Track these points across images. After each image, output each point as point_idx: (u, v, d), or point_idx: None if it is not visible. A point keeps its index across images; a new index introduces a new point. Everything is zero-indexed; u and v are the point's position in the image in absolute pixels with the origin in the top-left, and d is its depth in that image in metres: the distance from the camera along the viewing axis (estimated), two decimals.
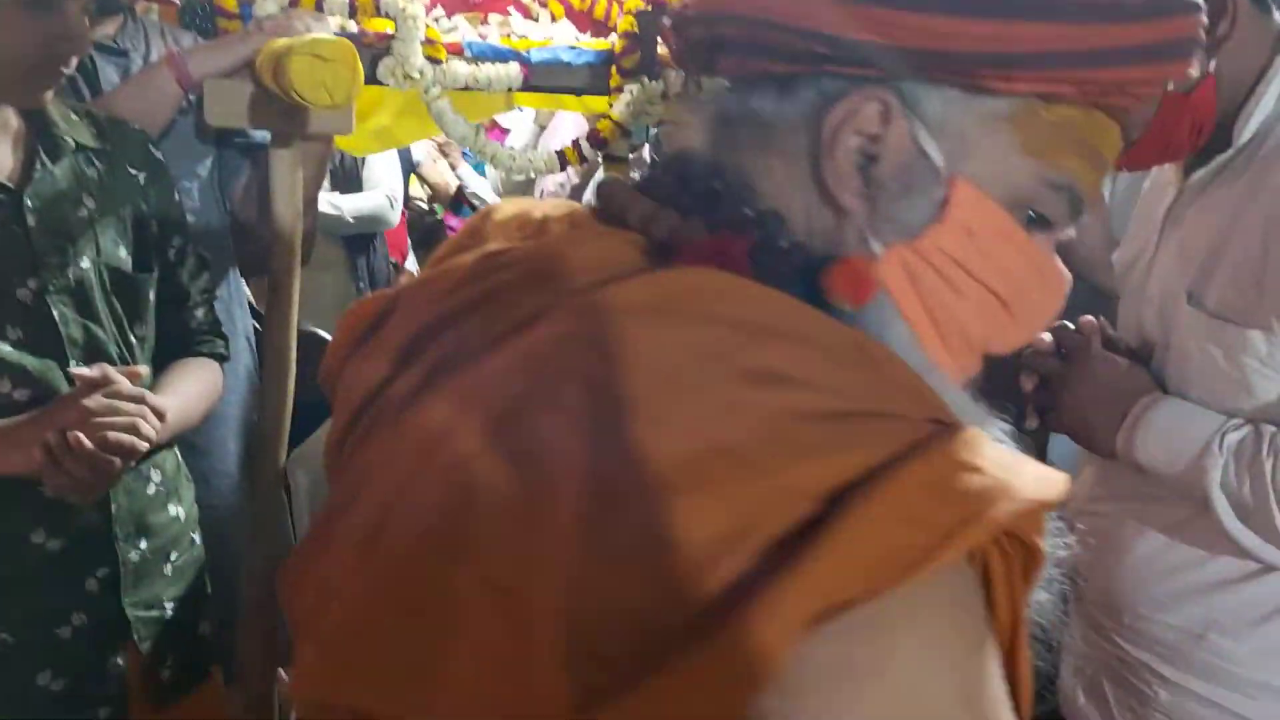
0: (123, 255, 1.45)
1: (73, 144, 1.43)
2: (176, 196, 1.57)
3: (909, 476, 0.47)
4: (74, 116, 1.47)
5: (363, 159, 3.37)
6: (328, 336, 2.04)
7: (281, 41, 1.62)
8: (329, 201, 3.17)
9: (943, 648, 0.48)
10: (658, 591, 0.46)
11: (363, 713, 0.56)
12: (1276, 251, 1.12)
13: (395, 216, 3.46)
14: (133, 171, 1.49)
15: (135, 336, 1.47)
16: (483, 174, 4.36)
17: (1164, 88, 1.12)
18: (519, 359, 0.56)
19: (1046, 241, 0.63)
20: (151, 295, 1.49)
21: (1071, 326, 1.32)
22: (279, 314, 1.83)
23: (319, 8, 2.17)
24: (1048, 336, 1.32)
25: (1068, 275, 0.66)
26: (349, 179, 3.36)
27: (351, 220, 3.29)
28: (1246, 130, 1.18)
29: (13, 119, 1.40)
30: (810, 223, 0.61)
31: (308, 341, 2.11)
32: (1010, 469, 0.49)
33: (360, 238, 3.36)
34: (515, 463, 0.51)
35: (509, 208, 0.72)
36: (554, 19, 2.73)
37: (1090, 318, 1.33)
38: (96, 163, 1.46)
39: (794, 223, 0.61)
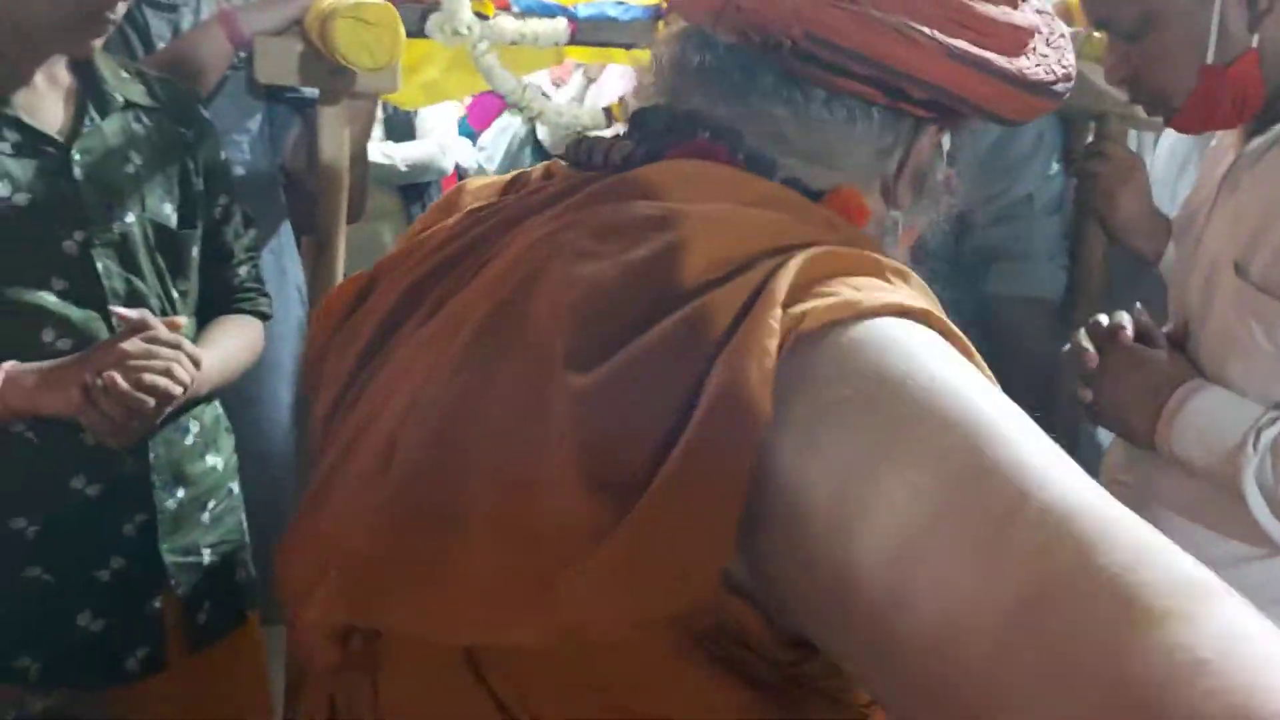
0: (168, 211, 1.47)
1: (121, 100, 1.44)
2: (223, 155, 1.58)
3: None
4: (124, 74, 1.48)
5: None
6: None
7: (327, 2, 1.61)
8: (382, 151, 3.18)
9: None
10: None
11: (387, 629, 0.61)
12: None
13: (449, 164, 3.46)
14: (181, 130, 1.50)
15: (178, 291, 1.49)
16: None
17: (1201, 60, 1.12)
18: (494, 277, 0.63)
19: None
20: (195, 252, 1.51)
21: (1104, 321, 1.30)
22: (326, 268, 1.85)
23: None
24: (1085, 337, 1.30)
25: None
26: (402, 128, 3.36)
27: (404, 169, 3.29)
28: None
29: (63, 74, 1.41)
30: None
31: None
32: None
33: (415, 187, 3.36)
34: (513, 353, 0.58)
35: (475, 180, 0.79)
36: None
37: (1122, 314, 1.31)
38: (145, 120, 1.47)
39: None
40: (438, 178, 3.45)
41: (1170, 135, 1.66)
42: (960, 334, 0.59)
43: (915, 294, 0.60)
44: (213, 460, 1.57)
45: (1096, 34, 1.50)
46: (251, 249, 1.63)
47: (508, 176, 0.76)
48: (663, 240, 0.58)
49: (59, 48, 1.39)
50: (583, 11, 2.37)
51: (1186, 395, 1.22)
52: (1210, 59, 1.14)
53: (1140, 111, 1.31)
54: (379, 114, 3.00)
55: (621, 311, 0.56)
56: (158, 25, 1.83)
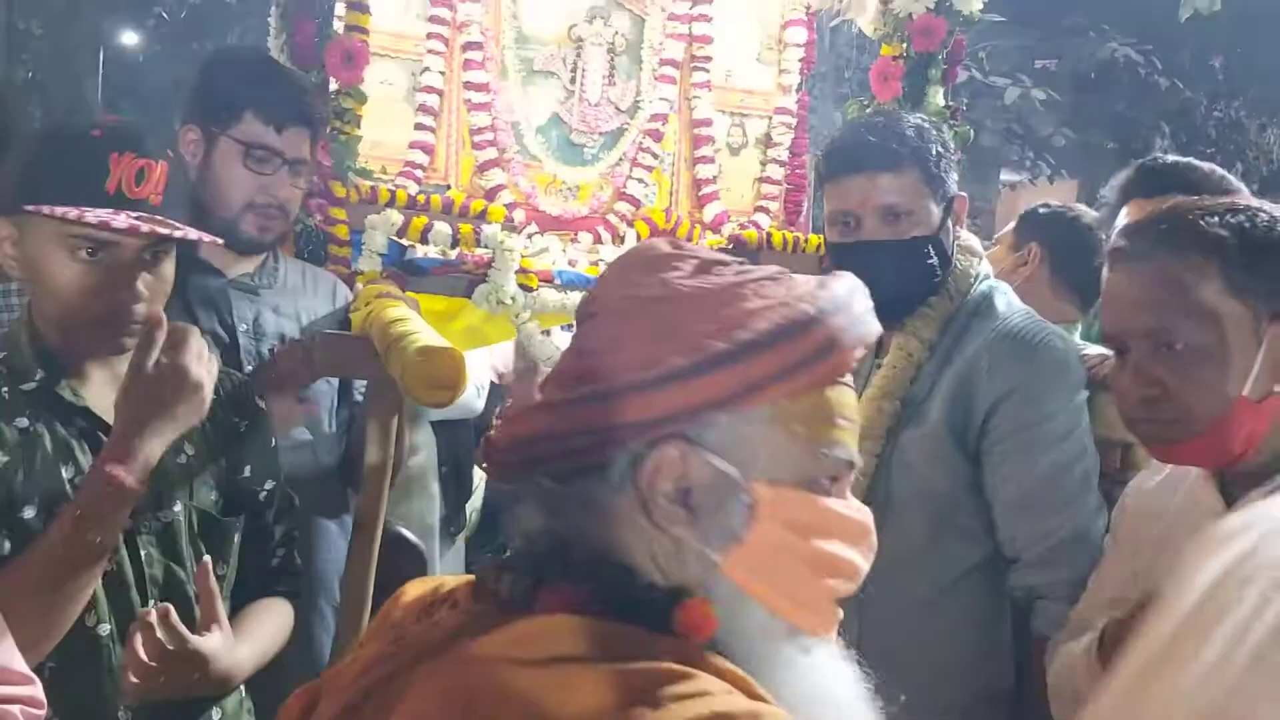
0: (213, 499, 1.46)
1: None
2: (273, 442, 1.58)
3: None
4: None
5: None
6: (414, 540, 2.03)
7: (389, 320, 1.61)
8: None
9: None
10: None
11: None
12: None
13: (481, 404, 3.49)
14: (235, 419, 1.51)
15: (215, 575, 1.45)
16: None
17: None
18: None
19: (842, 490, 0.78)
20: (237, 538, 1.49)
21: None
22: (362, 551, 1.81)
23: (424, 239, 2.25)
24: None
25: (866, 512, 0.78)
26: None
27: (435, 413, 3.32)
28: None
29: (117, 363, 1.43)
30: (658, 561, 0.74)
31: (396, 544, 2.09)
32: None
33: (448, 422, 3.38)
34: None
35: (413, 589, 0.84)
36: (640, 238, 2.79)
37: None
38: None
39: (644, 567, 0.74)
40: (470, 417, 3.47)
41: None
42: None
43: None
44: None
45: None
46: (290, 531, 1.61)
47: (434, 596, 0.82)
48: None
49: (92, 349, 1.40)
50: None
51: None
52: (1247, 391, 1.12)
53: None
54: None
55: None
56: (239, 305, 1.88)
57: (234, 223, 1.88)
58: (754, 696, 0.67)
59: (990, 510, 1.57)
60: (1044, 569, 1.51)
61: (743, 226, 2.83)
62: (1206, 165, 1.84)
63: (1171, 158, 1.85)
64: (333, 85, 2.22)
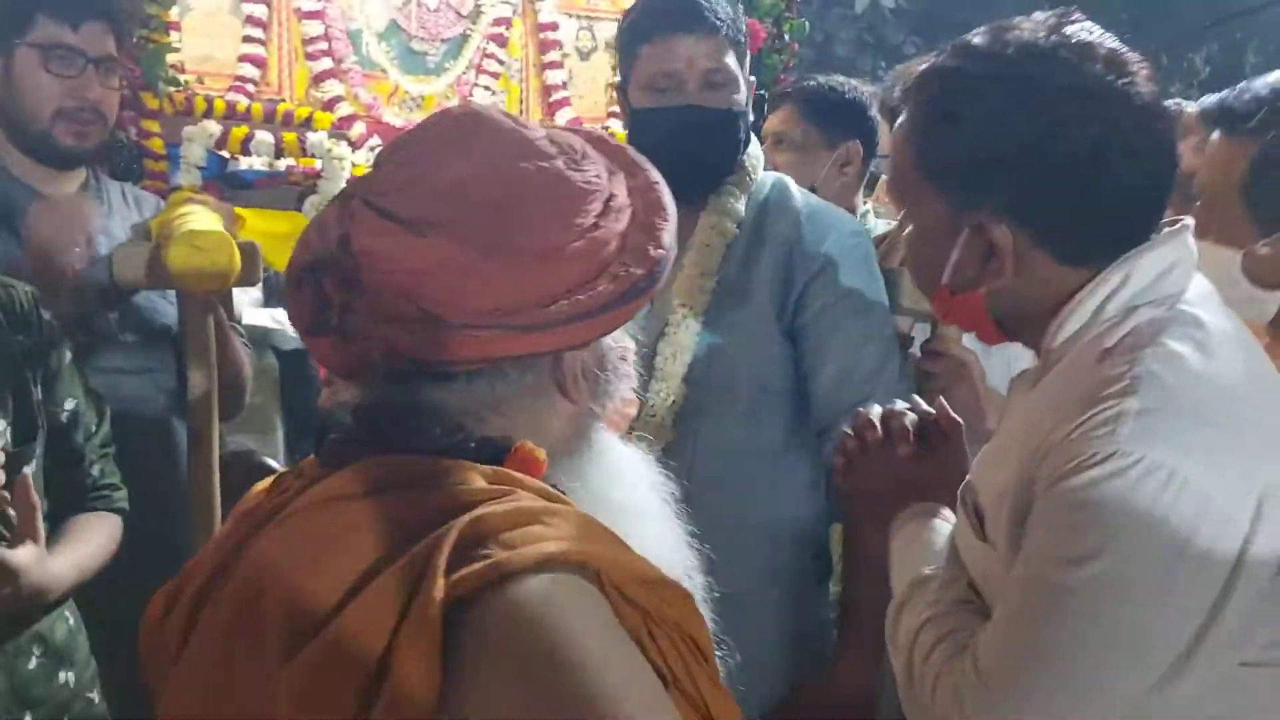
0: (1, 428, 1.33)
1: None
2: (68, 355, 1.45)
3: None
4: None
5: None
6: (277, 467, 1.96)
7: (168, 217, 1.51)
8: (271, 316, 3.05)
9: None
10: None
11: None
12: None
13: None
14: (17, 337, 1.38)
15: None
16: None
17: None
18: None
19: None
20: (31, 467, 1.36)
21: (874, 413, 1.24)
22: (202, 467, 1.72)
23: (245, 149, 2.10)
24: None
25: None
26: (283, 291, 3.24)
27: (292, 333, 3.17)
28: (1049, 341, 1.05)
29: None
30: (542, 425, 0.82)
31: (242, 460, 2.00)
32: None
33: (298, 351, 3.23)
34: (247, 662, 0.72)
35: (264, 483, 0.85)
36: None
37: (877, 408, 1.25)
38: None
39: (540, 435, 0.81)
40: None
41: None
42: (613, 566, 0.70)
43: (568, 533, 0.70)
44: (65, 675, 1.41)
45: None
46: (105, 444, 1.51)
47: (275, 479, 0.84)
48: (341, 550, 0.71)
49: None
50: None
51: (907, 519, 1.17)
52: (945, 281, 1.03)
53: None
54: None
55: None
56: None
57: (47, 133, 1.74)
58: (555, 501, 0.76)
59: (806, 382, 1.56)
60: None
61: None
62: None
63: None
64: None
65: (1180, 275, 1.00)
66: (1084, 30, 0.99)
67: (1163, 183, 1.00)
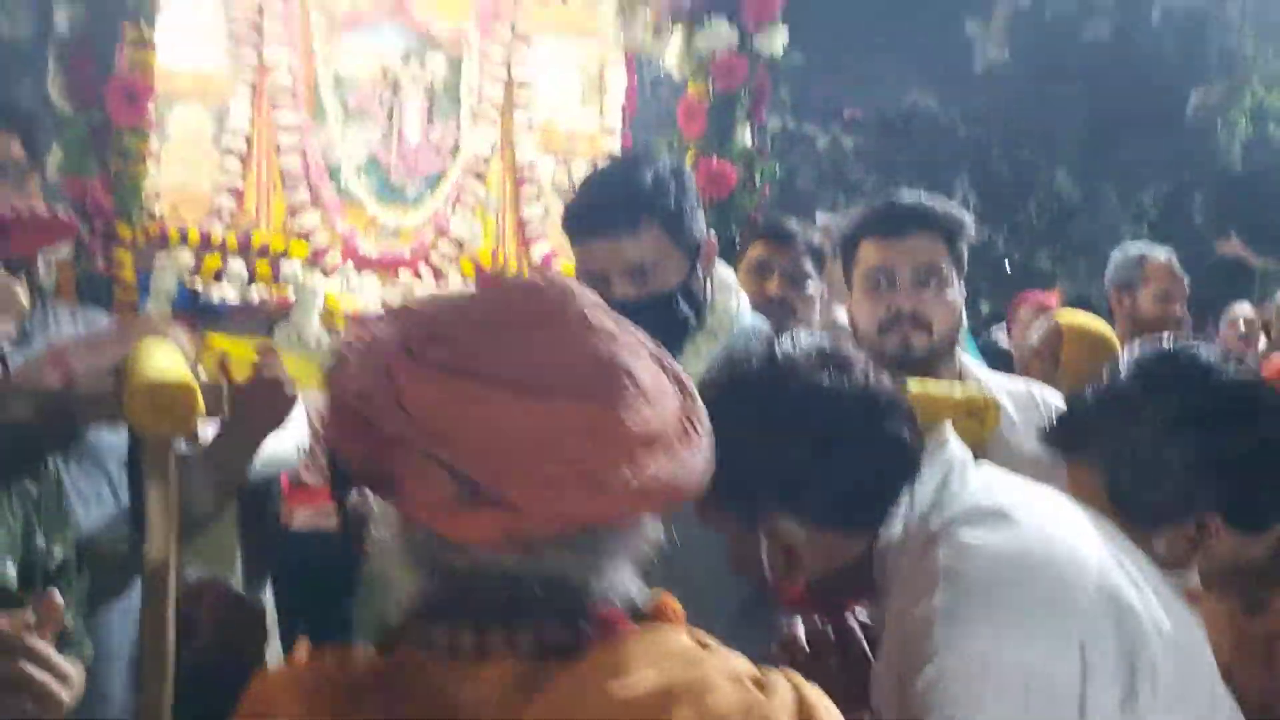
0: (10, 574, 1.30)
1: None
2: (67, 506, 1.42)
3: None
4: None
5: None
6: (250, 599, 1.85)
7: (134, 358, 1.45)
8: None
9: None
10: None
11: None
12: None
13: (298, 460, 3.25)
14: (27, 484, 1.36)
15: None
16: None
17: None
18: None
19: None
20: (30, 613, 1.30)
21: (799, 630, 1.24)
22: (154, 610, 1.62)
23: (218, 278, 2.07)
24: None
25: None
26: None
27: (259, 465, 3.07)
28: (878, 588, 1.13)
29: None
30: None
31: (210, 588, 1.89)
32: None
33: (254, 484, 3.13)
34: None
35: (282, 689, 0.81)
36: (464, 277, 2.68)
37: (800, 626, 1.25)
38: None
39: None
40: (281, 471, 3.23)
41: None
42: None
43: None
44: None
45: None
46: (80, 601, 1.44)
47: (323, 679, 0.78)
48: None
49: None
50: None
51: None
52: (772, 583, 1.14)
53: None
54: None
55: None
56: (14, 360, 1.66)
57: None
58: None
59: None
60: None
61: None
62: (943, 204, 1.81)
63: (908, 195, 1.80)
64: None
65: (955, 481, 1.08)
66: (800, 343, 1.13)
67: (897, 455, 1.10)
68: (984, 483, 1.10)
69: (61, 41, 2.04)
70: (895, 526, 1.08)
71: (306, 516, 3.71)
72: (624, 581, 0.78)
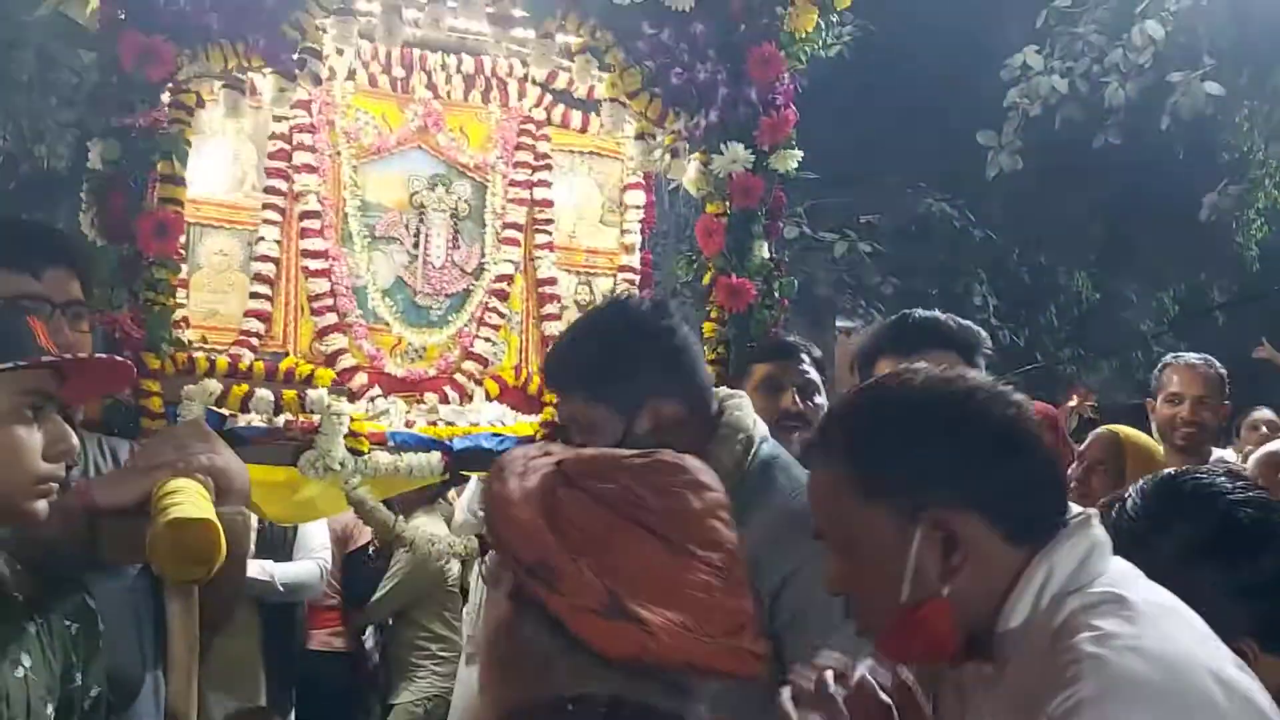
0: (49, 714, 1.27)
1: (20, 599, 1.27)
2: (101, 645, 1.38)
3: None
4: (18, 567, 1.30)
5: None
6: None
7: (160, 497, 1.44)
8: (260, 567, 2.94)
9: None
10: None
11: None
12: None
13: (321, 584, 3.21)
14: (67, 623, 1.33)
15: None
16: None
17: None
18: None
19: None
20: None
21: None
22: None
23: (245, 406, 2.08)
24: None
25: None
26: (276, 545, 3.12)
27: (281, 588, 3.03)
28: (998, 644, 1.07)
29: None
30: None
31: None
32: None
33: (279, 607, 3.08)
34: None
35: None
36: (489, 397, 2.67)
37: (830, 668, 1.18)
38: (35, 617, 1.29)
39: None
40: (304, 597, 3.19)
41: None
42: None
43: None
44: None
45: None
46: None
47: None
48: None
49: None
50: (458, 444, 2.32)
51: None
52: (904, 598, 1.05)
53: None
54: (254, 524, 2.79)
55: None
56: None
57: None
58: None
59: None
60: None
61: None
62: (958, 321, 1.80)
63: (923, 314, 1.80)
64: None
65: (1097, 559, 1.06)
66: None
67: (1056, 462, 1.13)
68: (1124, 571, 1.08)
69: (96, 176, 2.09)
70: (1028, 591, 1.05)
71: (320, 637, 3.66)
72: None
